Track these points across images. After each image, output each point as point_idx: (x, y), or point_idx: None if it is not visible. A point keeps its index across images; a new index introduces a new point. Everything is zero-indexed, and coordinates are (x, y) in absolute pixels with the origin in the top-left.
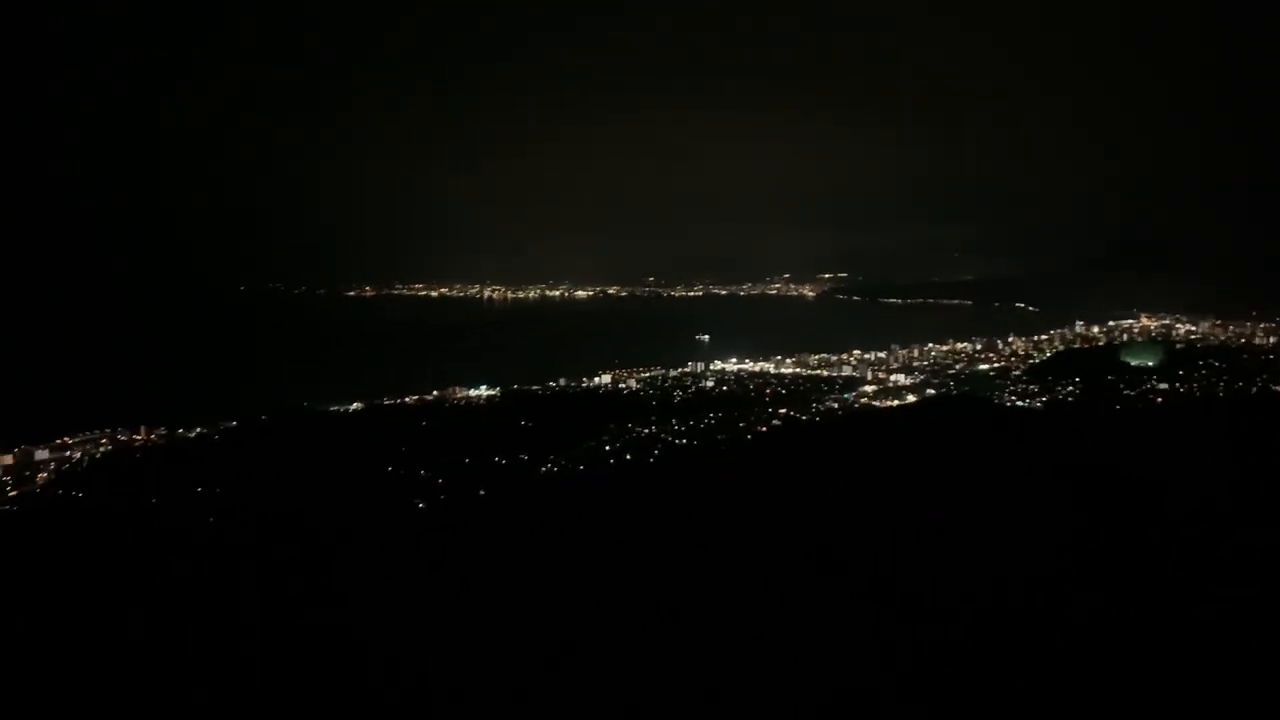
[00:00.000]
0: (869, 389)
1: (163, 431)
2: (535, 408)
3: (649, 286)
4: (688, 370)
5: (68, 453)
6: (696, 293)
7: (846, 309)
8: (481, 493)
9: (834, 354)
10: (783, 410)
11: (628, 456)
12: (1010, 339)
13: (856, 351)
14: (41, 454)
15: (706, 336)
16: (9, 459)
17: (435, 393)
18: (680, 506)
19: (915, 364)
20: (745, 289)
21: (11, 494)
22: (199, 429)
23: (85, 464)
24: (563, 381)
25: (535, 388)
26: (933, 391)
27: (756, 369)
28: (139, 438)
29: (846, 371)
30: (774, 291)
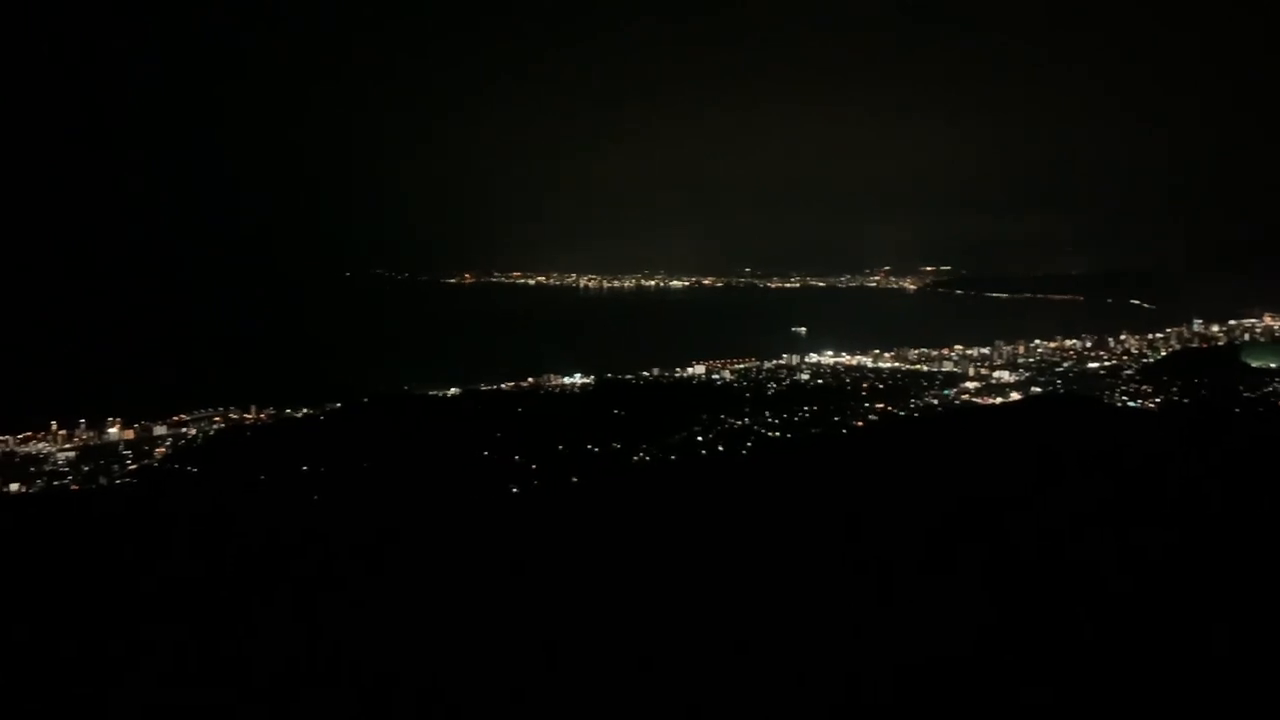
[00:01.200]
0: (971, 385)
1: (271, 411)
2: (628, 397)
3: (745, 277)
4: (783, 363)
5: (184, 429)
6: (793, 284)
7: (949, 303)
8: (574, 480)
9: (935, 349)
10: (880, 405)
11: (720, 448)
12: (1123, 336)
13: (958, 347)
14: (160, 430)
15: (803, 329)
16: (130, 434)
17: (530, 380)
18: (772, 500)
19: (1020, 361)
20: (844, 281)
21: (131, 467)
22: (305, 409)
23: (200, 440)
24: (656, 371)
25: (628, 377)
26: (1038, 389)
27: (854, 363)
28: (249, 416)
29: (947, 367)
30: (874, 284)
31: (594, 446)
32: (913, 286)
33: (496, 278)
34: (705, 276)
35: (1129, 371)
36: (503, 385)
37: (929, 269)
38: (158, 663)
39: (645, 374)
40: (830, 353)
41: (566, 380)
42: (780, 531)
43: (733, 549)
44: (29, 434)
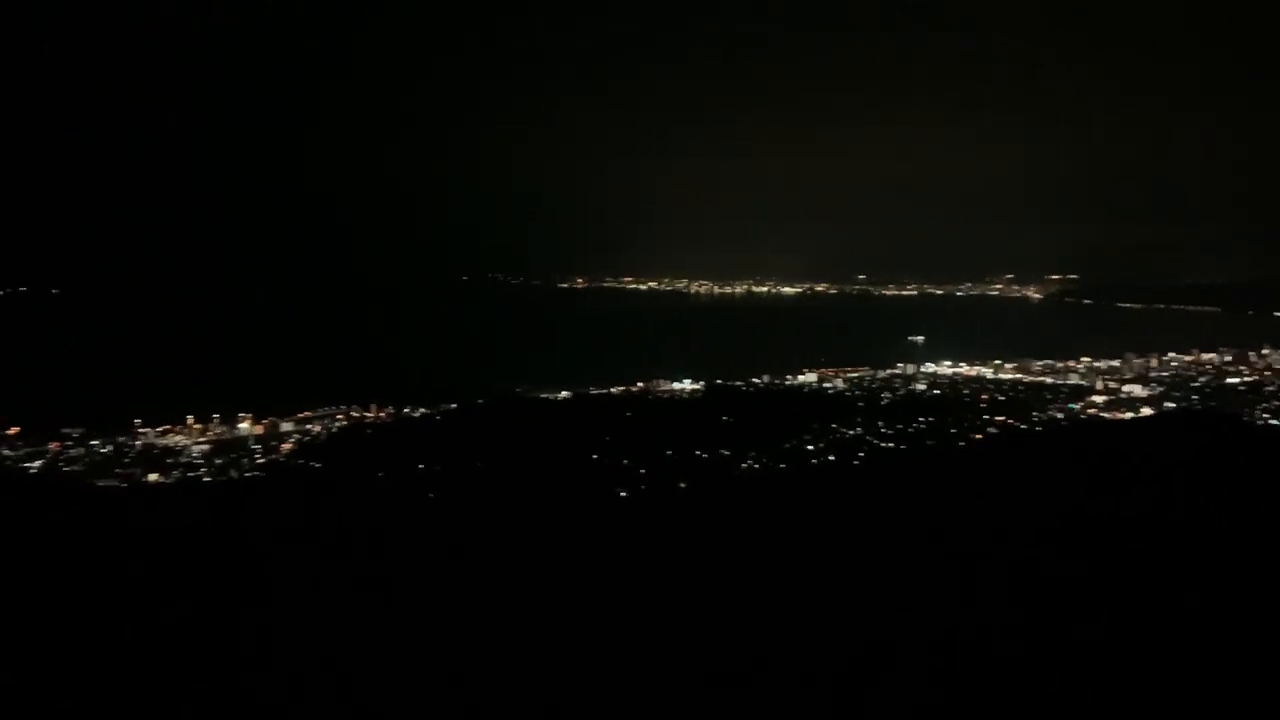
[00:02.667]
0: (1098, 399)
1: (391, 410)
2: (737, 403)
3: (859, 284)
4: (897, 372)
5: (309, 425)
6: (909, 292)
7: (1076, 313)
8: (682, 485)
9: (1060, 360)
10: (1000, 417)
11: (831, 457)
12: (1265, 351)
13: (1085, 358)
14: (287, 426)
15: (920, 338)
16: (259, 429)
17: (639, 384)
18: (882, 514)
19: (1152, 374)
20: (963, 289)
21: (260, 461)
22: (422, 409)
23: (323, 437)
24: (766, 379)
25: (738, 383)
26: (1171, 405)
27: (973, 373)
28: (370, 415)
29: (1073, 380)
30: (995, 292)
31: (702, 453)
32: (1037, 295)
33: (609, 282)
34: (818, 283)
35: (1272, 388)
36: (612, 389)
37: (1055, 277)
38: (276, 649)
39: (755, 381)
40: (948, 363)
41: (675, 386)
42: (888, 547)
43: (838, 563)
44: (168, 428)
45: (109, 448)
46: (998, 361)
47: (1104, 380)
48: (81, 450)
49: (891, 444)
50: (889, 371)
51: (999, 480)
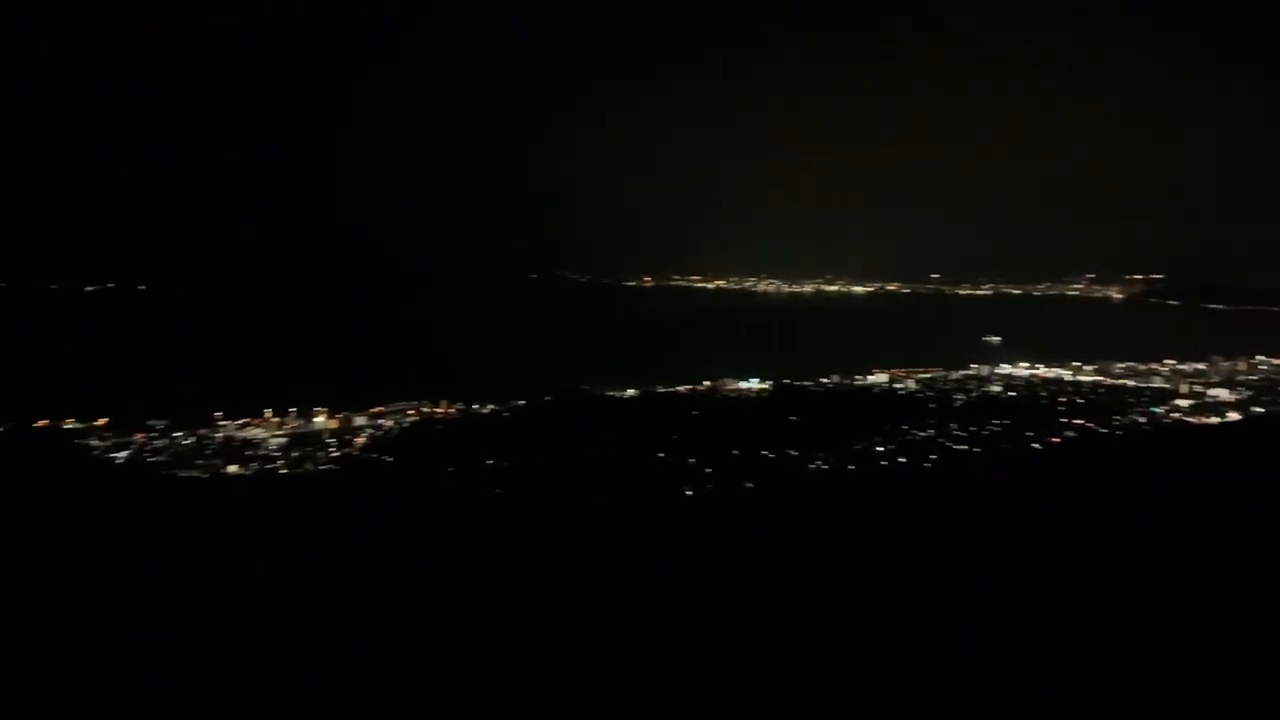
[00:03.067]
0: (1182, 403)
1: (460, 406)
2: (805, 403)
3: (932, 283)
4: (971, 373)
5: (381, 420)
6: (985, 291)
7: (1160, 314)
8: (748, 485)
9: (1143, 363)
10: (1078, 420)
11: (901, 459)
12: None
13: (1169, 361)
14: (360, 420)
15: (996, 338)
16: (334, 423)
17: (707, 383)
18: (953, 518)
19: (1239, 378)
20: (1041, 289)
21: (334, 454)
22: (490, 405)
23: (395, 432)
24: (835, 379)
25: (807, 383)
26: (1260, 410)
27: (1050, 375)
28: (440, 410)
29: (1156, 383)
30: (1074, 292)
31: (769, 453)
32: (1119, 296)
33: (676, 280)
34: (889, 282)
35: None
36: (679, 388)
37: (1137, 277)
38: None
39: (824, 381)
40: (1024, 364)
41: (742, 385)
42: (957, 553)
43: (905, 568)
44: (246, 420)
45: (191, 440)
46: (1076, 363)
47: (1189, 384)
48: (165, 442)
49: (964, 446)
50: (962, 372)
51: (1076, 485)
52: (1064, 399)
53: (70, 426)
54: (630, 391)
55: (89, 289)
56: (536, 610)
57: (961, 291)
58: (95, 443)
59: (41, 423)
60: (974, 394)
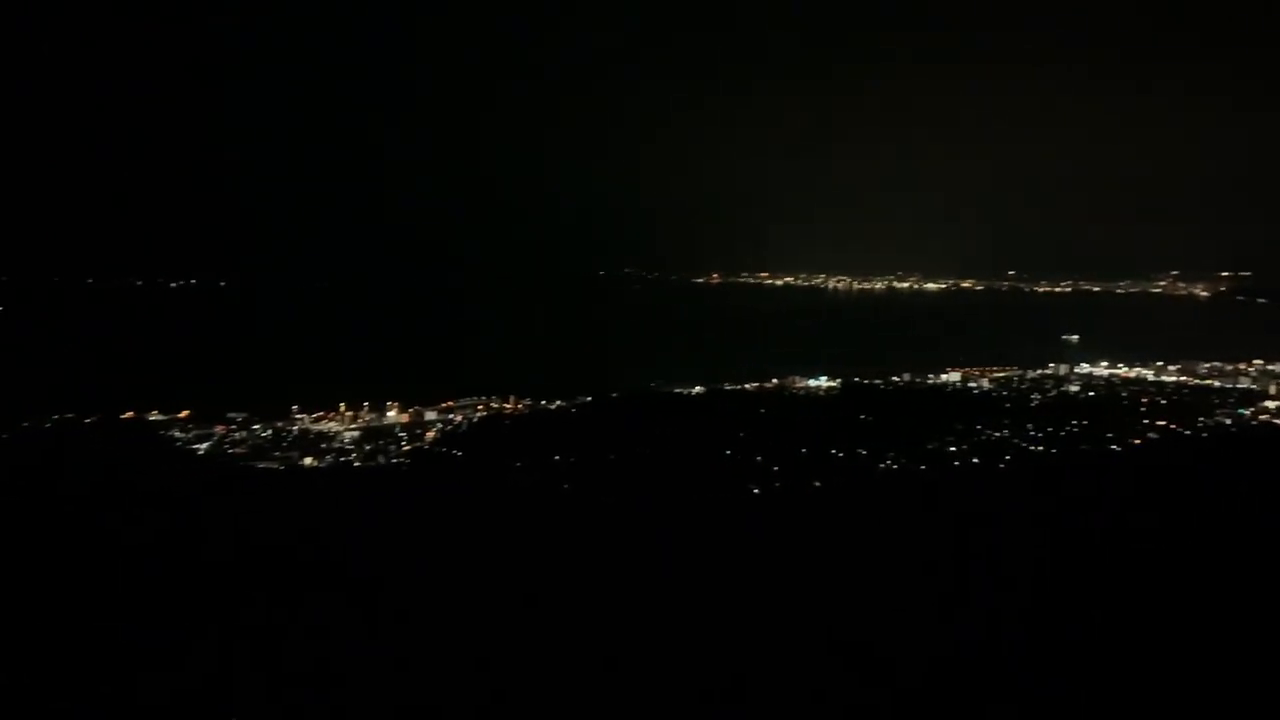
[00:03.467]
0: (1271, 404)
1: (528, 402)
2: (876, 402)
3: (1008, 280)
4: (1048, 372)
5: (451, 415)
6: (1064, 289)
7: (1249, 312)
8: (816, 484)
9: (1229, 363)
10: (1161, 422)
11: (974, 460)
12: None
13: (1258, 361)
14: (430, 415)
15: (1075, 337)
16: (405, 418)
17: (775, 381)
18: (1027, 519)
19: None
20: (1122, 286)
21: (405, 448)
22: (559, 402)
23: (464, 426)
24: (907, 377)
25: (877, 382)
26: None
27: (1131, 374)
28: (508, 406)
29: (1244, 384)
30: (1158, 290)
31: (838, 451)
32: (1205, 293)
33: (744, 277)
34: (964, 279)
35: None
36: (746, 385)
37: (1225, 274)
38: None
39: (895, 379)
40: (1104, 363)
41: (811, 383)
42: (1031, 553)
43: (976, 567)
44: (321, 414)
45: (269, 432)
46: (1159, 363)
47: (1278, 385)
48: (244, 434)
49: (1041, 447)
50: (1039, 372)
51: (1157, 487)
52: (1146, 400)
53: (155, 418)
54: (697, 388)
55: (173, 285)
56: (607, 602)
57: (1039, 289)
58: (178, 434)
59: (128, 415)
60: (1051, 394)
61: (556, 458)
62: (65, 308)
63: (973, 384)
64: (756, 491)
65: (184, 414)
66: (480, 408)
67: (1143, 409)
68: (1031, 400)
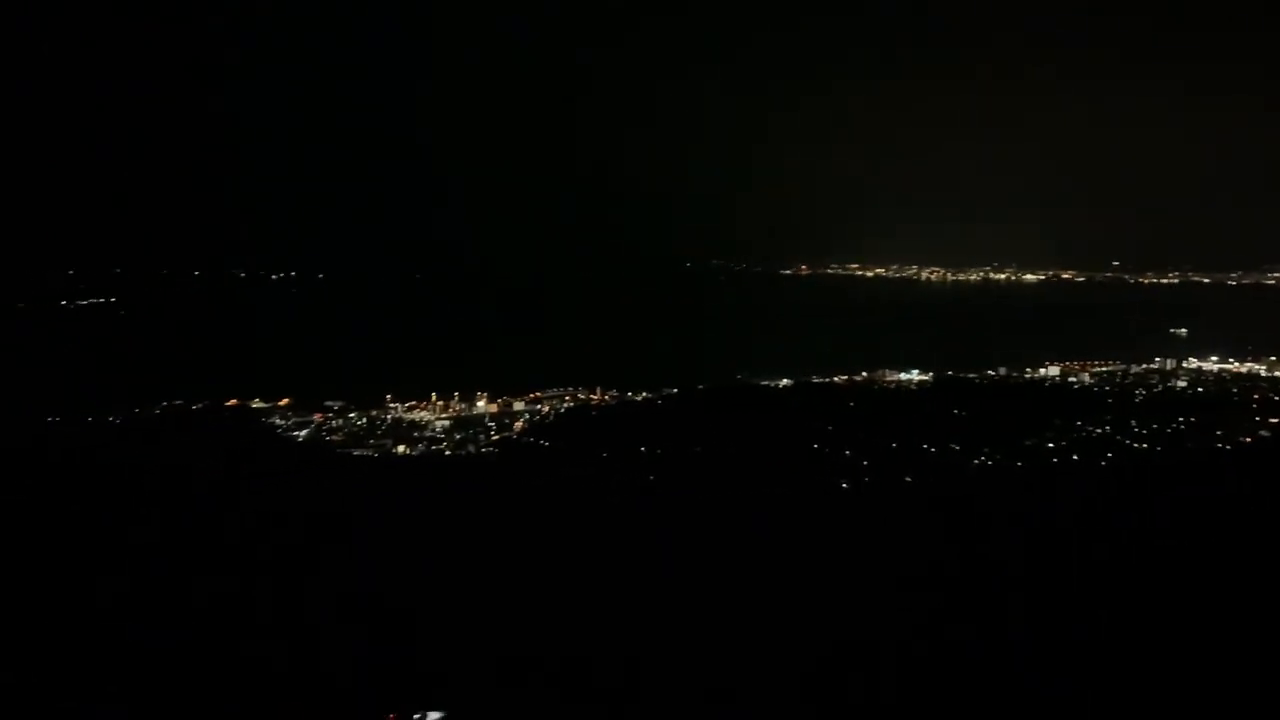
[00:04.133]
0: None
1: (614, 393)
2: (970, 396)
3: (1111, 271)
4: (1154, 367)
5: (539, 405)
6: (1170, 280)
7: None
8: (907, 479)
9: None
10: (1273, 420)
11: (1074, 457)
12: None
13: None
14: (519, 405)
15: (1183, 330)
16: (494, 408)
17: (864, 374)
18: (1129, 520)
19: None
20: (1235, 278)
21: (494, 438)
22: (645, 393)
23: (552, 417)
24: (1002, 371)
25: (971, 375)
26: None
27: (1243, 370)
28: (595, 397)
29: None
30: (1272, 282)
31: (929, 446)
32: None
33: (833, 269)
34: (1064, 270)
35: None
36: (835, 378)
37: None
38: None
39: (990, 373)
40: (1214, 358)
41: (902, 376)
42: (1133, 559)
43: (1074, 571)
44: (414, 403)
45: (364, 420)
46: (1274, 358)
47: None
48: (341, 422)
49: (1145, 445)
50: (1144, 366)
51: (1268, 488)
52: (1258, 396)
53: (257, 406)
54: (784, 381)
55: (274, 277)
56: (692, 594)
57: (1144, 280)
58: (279, 421)
59: (231, 402)
60: (1157, 389)
61: (642, 449)
62: (174, 299)
63: (1073, 379)
64: (845, 486)
65: (284, 402)
66: (567, 398)
67: (1254, 406)
68: (1136, 396)
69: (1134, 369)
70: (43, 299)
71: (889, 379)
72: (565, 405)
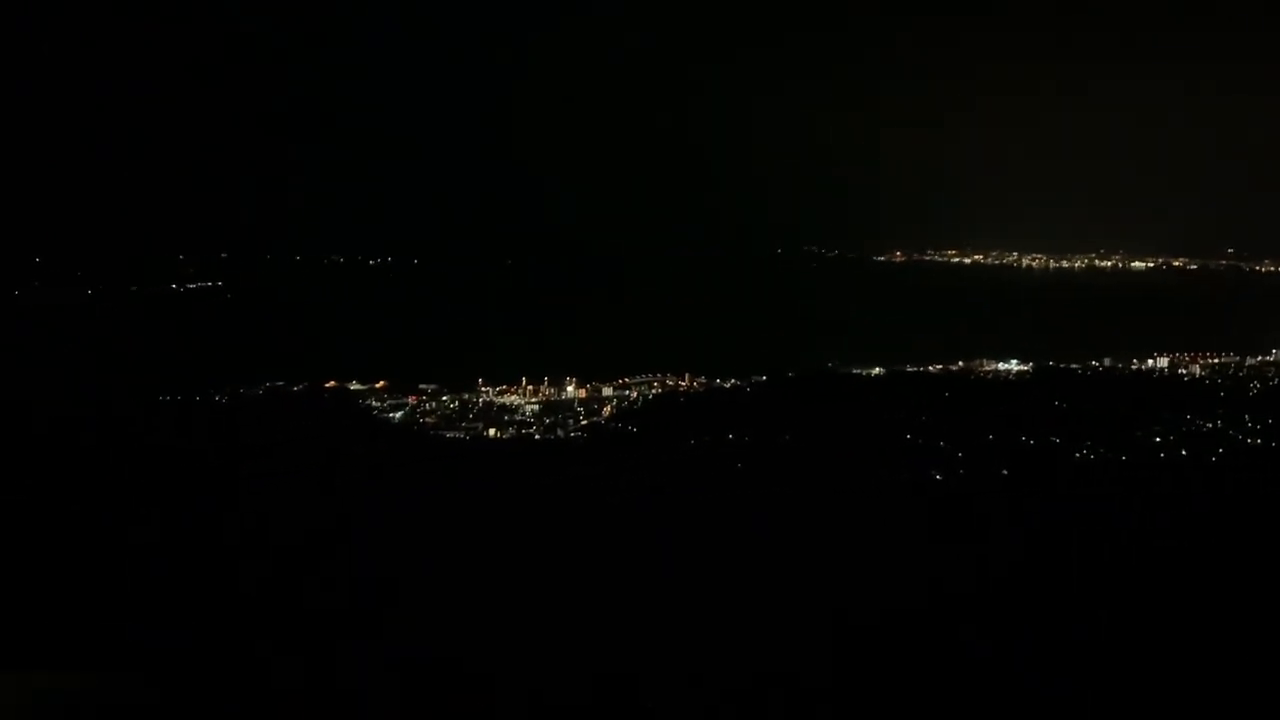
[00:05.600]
0: None
1: (702, 380)
2: (1071, 388)
3: (1227, 259)
4: (1270, 359)
5: (627, 391)
6: None
7: None
8: (1004, 473)
9: None
10: None
11: (1182, 452)
12: None
13: None
14: (607, 391)
15: None
16: (583, 393)
17: (959, 363)
18: (1240, 518)
19: None
20: None
21: (583, 423)
22: (734, 380)
23: (640, 402)
24: (1108, 362)
25: (1074, 366)
26: None
27: None
28: (683, 384)
29: None
30: None
31: (1028, 439)
32: None
33: (929, 255)
34: (1175, 257)
35: None
36: (929, 368)
37: None
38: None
39: (1094, 364)
40: None
41: (1000, 366)
42: (1240, 556)
43: (1176, 567)
44: (505, 388)
45: (456, 404)
46: None
47: None
48: (434, 405)
49: (1259, 440)
50: (1260, 358)
51: None
52: None
53: (355, 388)
54: (876, 370)
55: (372, 262)
56: (779, 581)
57: (1262, 269)
58: (374, 403)
59: (330, 384)
60: (1273, 382)
61: (730, 436)
62: (277, 283)
63: (1182, 370)
64: (939, 478)
65: (380, 384)
66: (656, 385)
67: None
68: (1250, 389)
69: (1249, 361)
70: (153, 282)
71: (986, 369)
72: (653, 391)
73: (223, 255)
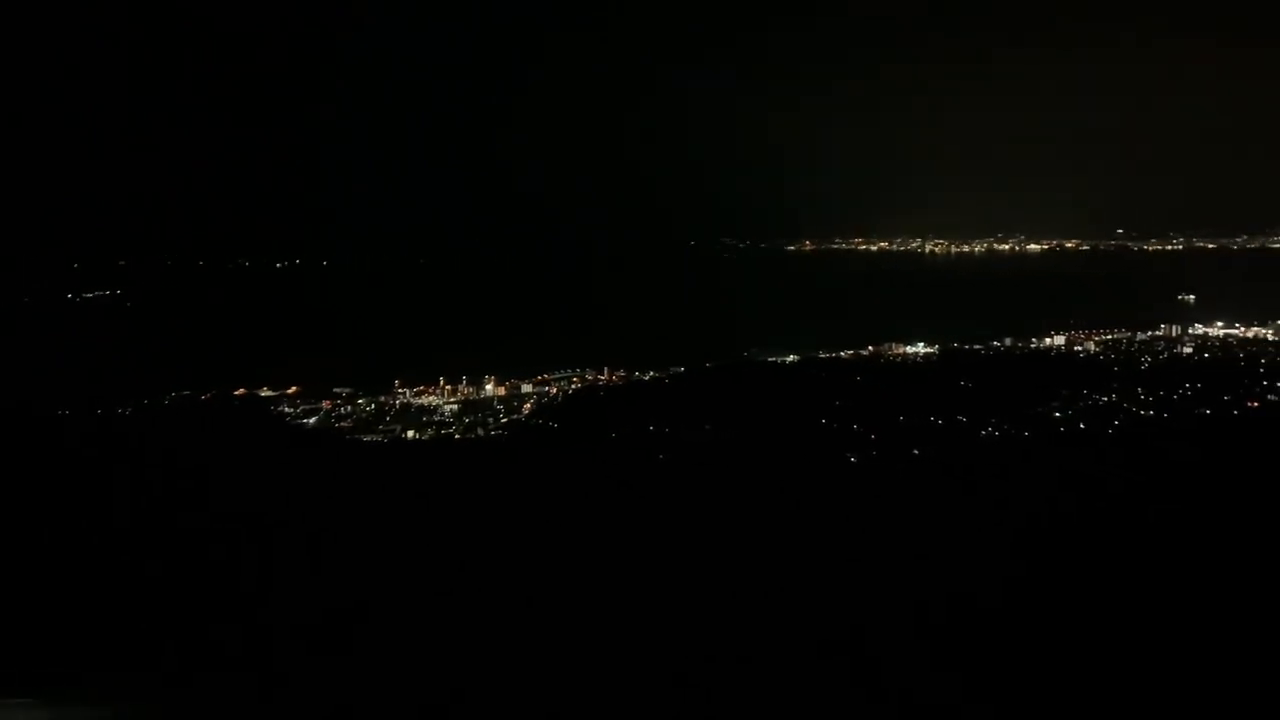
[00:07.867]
0: None
1: (621, 373)
2: (976, 368)
3: (1116, 239)
4: (1159, 334)
5: (546, 387)
6: (1175, 246)
7: None
8: (915, 452)
9: None
10: None
11: (1081, 425)
12: None
13: None
14: (526, 388)
15: (1191, 296)
16: (502, 391)
17: (870, 348)
18: (1137, 487)
19: None
20: (1239, 242)
21: (503, 420)
22: (652, 373)
23: (559, 398)
24: (1008, 342)
25: (977, 347)
26: None
27: (1249, 335)
28: (603, 378)
29: None
30: (1278, 245)
31: (937, 419)
32: None
33: (837, 244)
34: (1068, 239)
35: None
36: (842, 353)
37: None
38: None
39: (996, 344)
40: (1220, 324)
41: (909, 349)
42: (1143, 526)
43: (1084, 537)
44: (422, 388)
45: (372, 406)
46: None
47: None
48: (350, 408)
49: (1151, 412)
50: (1150, 334)
51: (1273, 451)
52: (1264, 361)
53: (266, 394)
54: (791, 357)
55: (278, 265)
56: (711, 574)
57: (1149, 248)
58: (288, 409)
59: (239, 391)
60: (1163, 356)
61: (651, 428)
62: (179, 290)
63: (1078, 348)
64: (854, 460)
65: (293, 390)
66: (575, 380)
67: (1262, 369)
68: (1142, 363)
69: (1140, 336)
70: (48, 292)
71: (895, 352)
72: (573, 386)
73: (120, 262)
